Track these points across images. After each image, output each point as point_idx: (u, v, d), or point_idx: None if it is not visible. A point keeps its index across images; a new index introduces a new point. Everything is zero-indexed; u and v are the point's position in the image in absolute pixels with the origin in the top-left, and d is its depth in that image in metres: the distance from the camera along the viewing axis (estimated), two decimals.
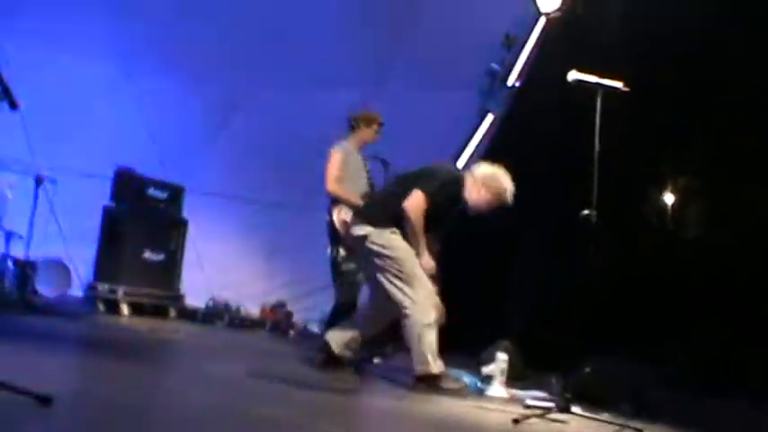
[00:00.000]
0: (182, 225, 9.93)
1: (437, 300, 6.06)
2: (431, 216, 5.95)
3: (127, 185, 9.44)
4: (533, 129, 8.98)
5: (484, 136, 10.06)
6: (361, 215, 6.22)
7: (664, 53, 7.97)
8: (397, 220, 5.95)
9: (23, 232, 8.18)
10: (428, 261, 6.05)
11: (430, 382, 5.83)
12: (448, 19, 9.92)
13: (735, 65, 7.67)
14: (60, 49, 9.89)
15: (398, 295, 5.92)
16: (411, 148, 9.90)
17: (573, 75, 5.43)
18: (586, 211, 5.28)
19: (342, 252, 7.45)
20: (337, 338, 6.28)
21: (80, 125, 10.07)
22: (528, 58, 9.82)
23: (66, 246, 9.79)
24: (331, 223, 7.42)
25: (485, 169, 6.24)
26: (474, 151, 10.09)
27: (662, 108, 7.84)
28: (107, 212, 9.42)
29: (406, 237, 5.97)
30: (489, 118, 10.03)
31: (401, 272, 5.91)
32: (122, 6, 10.06)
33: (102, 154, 9.97)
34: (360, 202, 7.26)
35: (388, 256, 5.93)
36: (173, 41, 10.43)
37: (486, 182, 6.16)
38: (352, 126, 7.81)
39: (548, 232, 8.67)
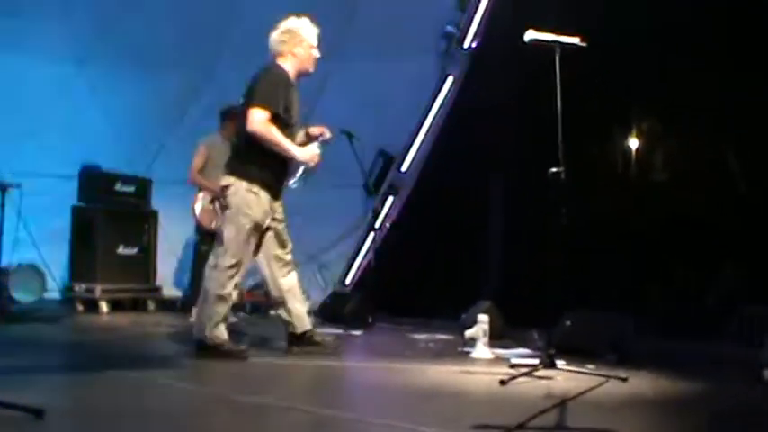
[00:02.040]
0: (152, 217, 9.91)
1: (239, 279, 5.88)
2: (287, 122, 5.84)
3: (94, 183, 9.41)
4: (494, 88, 8.99)
5: (446, 99, 10.06)
6: (225, 167, 5.99)
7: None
8: (252, 155, 5.77)
9: None
10: (309, 150, 5.90)
11: (207, 349, 5.73)
12: None
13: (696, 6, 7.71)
14: (6, 49, 9.79)
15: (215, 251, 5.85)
16: (375, 118, 9.93)
17: (530, 34, 5.43)
18: (554, 169, 5.32)
19: (198, 236, 8.19)
20: (292, 321, 6.12)
21: (39, 126, 9.96)
22: (482, 18, 9.81)
23: (39, 249, 9.75)
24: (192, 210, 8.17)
25: (277, 36, 6.03)
26: (437, 114, 10.10)
27: (622, 57, 7.86)
28: (76, 212, 9.38)
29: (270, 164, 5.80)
30: (449, 80, 10.04)
31: (226, 231, 5.77)
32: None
33: (65, 153, 9.90)
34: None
35: (228, 214, 5.79)
36: (122, 32, 10.35)
37: (290, 43, 5.99)
38: (222, 119, 8.33)
39: (516, 190, 8.71)
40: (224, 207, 5.83)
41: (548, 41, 5.45)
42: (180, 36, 10.33)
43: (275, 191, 5.89)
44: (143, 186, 9.93)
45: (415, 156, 10.18)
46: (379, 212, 9.61)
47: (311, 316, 6.61)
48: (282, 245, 6.07)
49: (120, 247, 9.41)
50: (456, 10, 10.03)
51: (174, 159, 10.41)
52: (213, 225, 8.01)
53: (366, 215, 10.18)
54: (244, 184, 5.73)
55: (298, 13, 6.17)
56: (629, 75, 8.04)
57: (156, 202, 10.07)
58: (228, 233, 5.73)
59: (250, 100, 5.73)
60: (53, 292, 9.60)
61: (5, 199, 8.13)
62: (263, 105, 5.66)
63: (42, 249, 9.83)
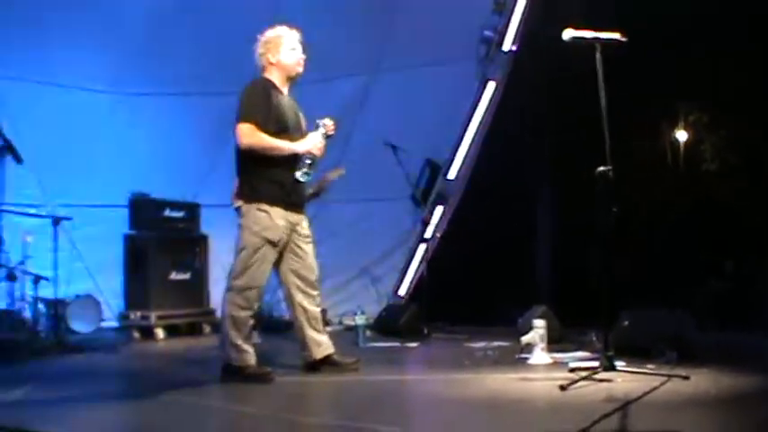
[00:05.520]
0: (202, 241, 9.97)
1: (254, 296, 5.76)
2: (282, 127, 5.76)
3: (143, 211, 9.46)
4: (537, 89, 8.92)
5: (488, 104, 10.00)
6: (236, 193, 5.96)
7: None
8: (255, 175, 5.74)
9: (49, 274, 8.18)
10: (309, 141, 5.82)
11: (232, 372, 5.68)
12: None
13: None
14: (49, 82, 9.94)
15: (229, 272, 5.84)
16: (419, 127, 9.91)
17: (568, 33, 5.36)
18: (602, 168, 5.25)
19: None
20: (306, 347, 6.01)
21: (86, 157, 10.10)
22: (520, 19, 9.74)
23: (94, 279, 9.86)
24: None
25: (257, 51, 6.03)
26: (480, 121, 10.04)
27: (664, 50, 7.76)
28: (128, 240, 9.44)
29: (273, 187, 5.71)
30: (491, 86, 9.97)
31: (240, 252, 5.72)
32: (108, 29, 10.07)
33: (113, 183, 10.00)
34: None
35: (240, 234, 5.73)
36: (163, 55, 10.44)
37: (269, 53, 5.96)
38: None
39: (564, 190, 8.63)
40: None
41: (587, 38, 5.39)
42: (219, 60, 10.38)
43: (289, 204, 5.79)
44: (192, 211, 9.99)
45: (462, 163, 10.12)
46: (429, 222, 9.55)
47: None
48: (306, 265, 5.94)
49: (173, 272, 9.46)
50: (493, 14, 9.97)
51: (221, 182, 10.43)
52: None
53: (416, 226, 10.14)
54: (253, 205, 5.69)
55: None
56: (673, 68, 7.93)
57: (206, 226, 10.13)
58: (241, 254, 5.69)
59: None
60: (110, 321, 9.70)
61: (58, 232, 8.22)
62: (245, 119, 5.63)
63: (97, 279, 9.96)
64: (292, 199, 5.82)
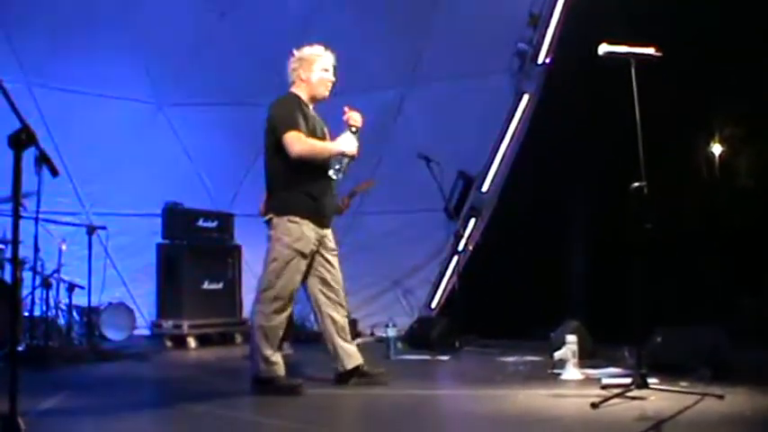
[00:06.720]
0: (235, 251, 10.00)
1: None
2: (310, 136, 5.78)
3: (177, 220, 9.53)
4: (571, 102, 8.87)
5: (522, 117, 9.98)
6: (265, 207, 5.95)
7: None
8: (287, 191, 5.75)
9: (83, 281, 8.24)
10: (349, 141, 5.80)
11: (262, 384, 5.67)
12: (471, 5, 9.88)
13: None
14: (87, 93, 10.03)
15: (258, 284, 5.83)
16: (452, 140, 9.89)
17: (603, 48, 5.33)
18: (637, 183, 5.21)
19: None
20: (337, 358, 6.00)
21: (121, 167, 10.19)
22: (555, 33, 9.71)
23: (127, 287, 9.95)
24: None
25: (290, 64, 6.03)
26: (514, 132, 10.02)
27: (697, 67, 7.69)
28: (161, 249, 9.52)
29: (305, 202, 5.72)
30: (525, 98, 9.95)
31: (271, 263, 5.69)
32: (145, 40, 10.16)
33: (148, 192, 10.08)
34: None
35: (271, 246, 5.72)
36: (197, 71, 10.52)
37: (301, 69, 5.97)
38: None
39: (598, 205, 8.57)
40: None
41: (622, 54, 5.36)
42: (253, 71, 10.43)
43: (319, 217, 5.81)
44: (225, 221, 10.05)
45: (495, 176, 10.10)
46: (462, 235, 9.52)
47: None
48: (333, 277, 5.97)
49: (206, 282, 9.50)
50: (528, 27, 9.94)
51: (254, 193, 10.49)
52: None
53: (448, 239, 10.12)
54: (284, 217, 5.69)
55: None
56: (707, 82, 7.86)
57: (239, 237, 10.16)
58: (272, 265, 5.68)
59: (276, 133, 5.73)
60: (142, 329, 9.76)
61: (92, 240, 8.28)
62: (290, 128, 5.66)
63: (130, 287, 10.05)
64: (322, 212, 5.85)
